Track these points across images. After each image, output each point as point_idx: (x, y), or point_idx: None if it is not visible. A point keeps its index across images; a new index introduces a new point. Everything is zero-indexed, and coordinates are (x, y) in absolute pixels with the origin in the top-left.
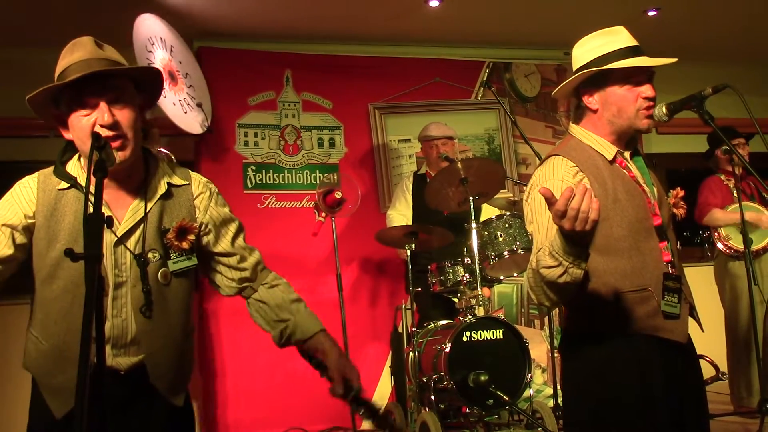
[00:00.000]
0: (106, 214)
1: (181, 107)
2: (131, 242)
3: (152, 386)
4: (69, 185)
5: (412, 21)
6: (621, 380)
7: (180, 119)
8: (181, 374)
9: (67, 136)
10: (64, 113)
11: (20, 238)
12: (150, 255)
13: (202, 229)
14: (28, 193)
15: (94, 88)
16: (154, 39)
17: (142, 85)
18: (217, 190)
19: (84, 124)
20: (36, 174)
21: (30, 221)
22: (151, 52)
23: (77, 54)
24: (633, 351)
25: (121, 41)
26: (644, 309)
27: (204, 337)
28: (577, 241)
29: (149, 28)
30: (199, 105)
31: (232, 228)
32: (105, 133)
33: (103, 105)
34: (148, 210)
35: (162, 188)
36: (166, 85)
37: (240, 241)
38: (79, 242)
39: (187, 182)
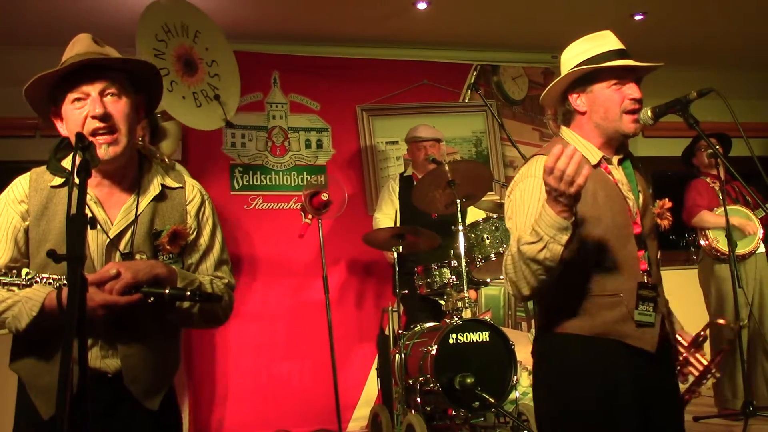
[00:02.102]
0: (95, 215)
1: (194, 100)
2: (123, 243)
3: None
4: (62, 182)
5: (400, 23)
6: (587, 384)
7: (188, 115)
8: (158, 378)
9: (64, 132)
10: (60, 110)
11: (22, 243)
12: (137, 257)
13: (191, 232)
14: (20, 193)
15: (88, 79)
16: (170, 26)
17: (139, 83)
18: (209, 198)
19: (77, 116)
20: (29, 173)
21: (26, 223)
22: (162, 41)
23: (75, 50)
24: (600, 355)
25: (117, 40)
26: (613, 314)
27: (190, 339)
28: (560, 203)
29: (167, 13)
30: (216, 97)
31: (205, 247)
32: (96, 125)
33: (94, 95)
34: (139, 212)
35: (155, 189)
36: (177, 77)
37: (208, 266)
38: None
39: (181, 185)
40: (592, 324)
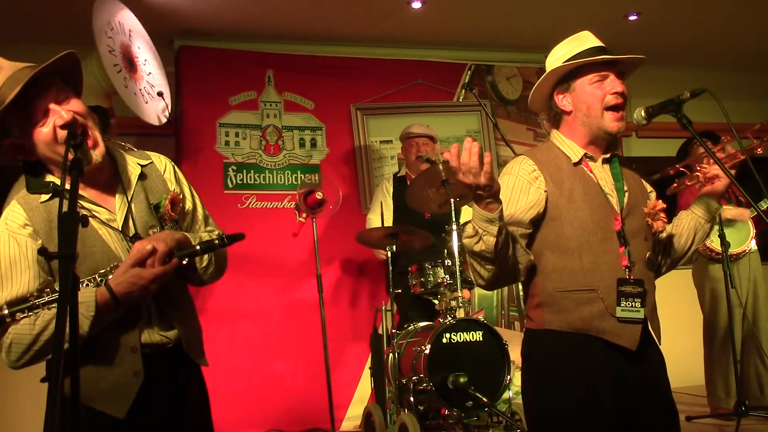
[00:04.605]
0: (98, 216)
1: (142, 97)
2: (132, 228)
3: (186, 354)
4: (50, 196)
5: (394, 22)
6: (565, 380)
7: (143, 111)
8: (199, 337)
9: (33, 157)
10: (18, 139)
11: (44, 262)
12: (151, 232)
13: (181, 196)
14: (19, 218)
15: (35, 97)
16: (113, 23)
17: (65, 77)
18: (173, 162)
19: (45, 135)
20: (13, 200)
21: (39, 242)
22: (111, 38)
23: (2, 75)
24: (579, 353)
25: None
26: (589, 310)
27: None
28: (482, 197)
29: (107, 11)
30: (159, 94)
31: (192, 206)
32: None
33: (53, 107)
34: (130, 198)
35: (136, 170)
36: (127, 74)
37: (199, 223)
38: (86, 244)
39: (150, 160)
40: (570, 319)
